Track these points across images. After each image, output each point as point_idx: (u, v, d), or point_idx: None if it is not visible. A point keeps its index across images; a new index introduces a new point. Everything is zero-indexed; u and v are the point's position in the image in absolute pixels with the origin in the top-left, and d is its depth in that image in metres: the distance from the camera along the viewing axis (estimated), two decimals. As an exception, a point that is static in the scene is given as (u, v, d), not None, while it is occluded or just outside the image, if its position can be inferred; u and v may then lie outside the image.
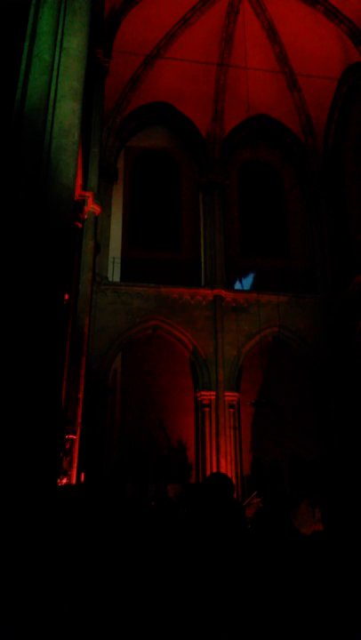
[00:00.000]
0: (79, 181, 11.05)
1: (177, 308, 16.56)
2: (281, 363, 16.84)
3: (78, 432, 10.34)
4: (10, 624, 2.06)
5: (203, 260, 17.72)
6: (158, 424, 15.53)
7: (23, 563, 2.33)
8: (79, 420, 10.52)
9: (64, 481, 8.70)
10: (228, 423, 15.66)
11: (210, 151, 19.02)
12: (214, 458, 15.20)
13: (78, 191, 11.07)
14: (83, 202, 11.35)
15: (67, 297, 9.16)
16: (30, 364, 5.22)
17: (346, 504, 2.65)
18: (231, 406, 15.96)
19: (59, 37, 6.60)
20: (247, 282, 17.42)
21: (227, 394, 15.93)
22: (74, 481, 9.57)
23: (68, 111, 6.30)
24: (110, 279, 16.60)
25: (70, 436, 9.76)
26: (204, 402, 15.94)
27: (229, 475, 14.02)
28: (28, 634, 2.07)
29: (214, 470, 14.59)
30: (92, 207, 11.91)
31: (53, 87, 6.30)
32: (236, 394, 16.12)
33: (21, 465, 4.43)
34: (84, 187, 11.62)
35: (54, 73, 6.39)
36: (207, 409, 15.86)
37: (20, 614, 2.10)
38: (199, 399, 16.05)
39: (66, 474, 9.10)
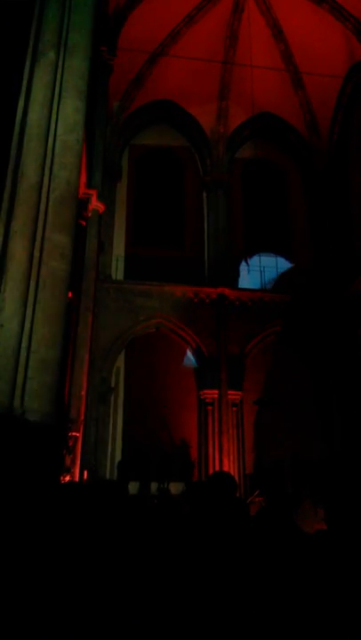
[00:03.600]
0: (83, 179, 11.06)
1: (180, 306, 16.56)
2: (284, 361, 16.81)
3: (81, 430, 10.37)
4: (10, 623, 2.07)
5: (206, 259, 17.71)
6: (161, 422, 15.54)
7: (26, 560, 2.33)
8: (82, 417, 10.54)
9: (67, 478, 8.73)
10: (231, 422, 15.66)
11: (214, 149, 18.97)
12: (217, 456, 15.20)
13: (82, 189, 11.08)
14: (87, 200, 11.37)
15: (70, 295, 9.16)
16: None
17: (349, 503, 2.64)
18: (234, 405, 15.96)
19: (63, 35, 6.60)
20: (251, 280, 17.39)
21: (230, 392, 15.92)
22: (77, 479, 9.59)
23: (72, 109, 6.30)
24: (114, 277, 16.61)
25: (73, 434, 9.79)
26: (207, 400, 15.94)
27: (232, 473, 14.02)
28: (29, 632, 2.08)
29: (217, 469, 14.59)
30: (95, 205, 11.92)
31: (58, 85, 6.30)
32: (240, 392, 16.11)
33: (24, 462, 4.44)
34: (89, 185, 11.63)
35: (58, 71, 6.39)
36: (210, 407, 15.86)
37: (21, 612, 2.11)
38: (202, 398, 16.05)
39: (69, 471, 9.13)
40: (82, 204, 10.99)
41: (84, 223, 11.21)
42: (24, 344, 5.16)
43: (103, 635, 2.13)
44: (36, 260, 5.49)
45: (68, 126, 6.18)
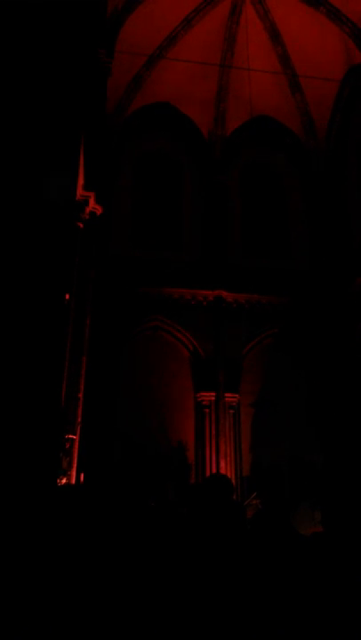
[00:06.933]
0: (81, 181, 11.05)
1: (178, 308, 16.56)
2: (282, 364, 16.82)
3: (78, 432, 10.35)
4: (10, 623, 2.07)
5: (204, 261, 17.71)
6: (158, 424, 15.51)
7: (23, 561, 2.33)
8: (79, 419, 10.52)
9: (63, 481, 8.71)
10: (227, 424, 15.66)
11: (212, 152, 19.02)
12: (214, 459, 15.19)
13: (80, 191, 11.07)
14: (84, 202, 11.34)
15: (67, 297, 9.16)
16: (31, 363, 5.22)
17: (345, 506, 2.65)
18: (231, 407, 15.96)
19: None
20: (248, 282, 17.38)
21: (227, 395, 15.92)
22: (73, 481, 9.57)
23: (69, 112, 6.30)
24: (111, 278, 16.55)
25: (70, 436, 9.77)
26: (204, 403, 15.93)
27: (229, 476, 14.01)
28: (28, 632, 2.07)
29: (214, 471, 14.58)
30: (93, 207, 11.89)
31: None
32: (236, 395, 16.12)
33: (21, 465, 4.43)
34: (86, 187, 11.61)
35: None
36: (207, 410, 15.86)
37: (20, 613, 2.11)
38: (199, 400, 16.05)
39: (65, 474, 9.11)
40: (79, 206, 10.97)
41: (82, 225, 11.18)
42: None
43: (102, 634, 2.13)
44: None
45: (66, 129, 6.18)
